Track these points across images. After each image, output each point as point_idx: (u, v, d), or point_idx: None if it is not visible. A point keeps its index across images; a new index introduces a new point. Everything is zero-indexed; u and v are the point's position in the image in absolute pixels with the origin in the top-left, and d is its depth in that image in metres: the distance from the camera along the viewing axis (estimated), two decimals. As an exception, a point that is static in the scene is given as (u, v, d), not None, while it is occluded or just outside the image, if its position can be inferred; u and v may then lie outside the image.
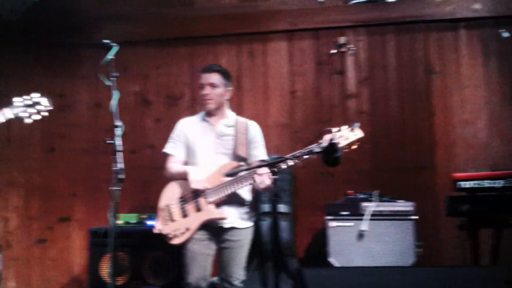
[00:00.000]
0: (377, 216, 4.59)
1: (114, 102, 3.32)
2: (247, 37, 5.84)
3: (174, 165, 4.02)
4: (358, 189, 4.93)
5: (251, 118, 5.48)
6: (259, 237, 4.80)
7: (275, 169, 3.59)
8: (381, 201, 4.67)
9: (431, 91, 5.48)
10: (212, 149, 3.97)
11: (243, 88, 5.76)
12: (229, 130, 4.01)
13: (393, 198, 4.72)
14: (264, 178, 3.64)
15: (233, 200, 3.86)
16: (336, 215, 4.63)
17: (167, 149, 4.09)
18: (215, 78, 4.01)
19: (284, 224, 4.93)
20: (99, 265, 4.97)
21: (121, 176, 3.20)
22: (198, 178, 3.82)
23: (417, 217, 4.58)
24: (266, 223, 4.88)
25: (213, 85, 3.99)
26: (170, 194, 3.95)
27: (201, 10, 5.92)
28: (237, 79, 5.74)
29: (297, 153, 3.55)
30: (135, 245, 4.91)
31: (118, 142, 3.27)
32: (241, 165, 3.88)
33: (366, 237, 4.55)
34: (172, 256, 4.79)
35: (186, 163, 4.03)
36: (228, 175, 3.74)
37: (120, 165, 3.21)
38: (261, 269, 4.73)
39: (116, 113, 3.33)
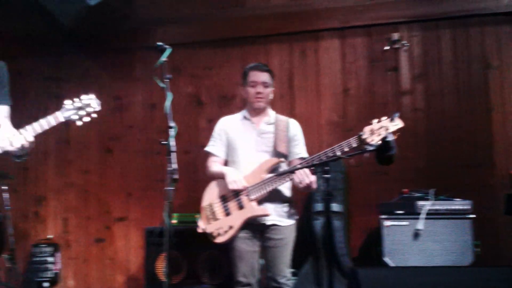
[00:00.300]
0: (433, 214, 4.49)
1: (167, 103, 3.36)
2: (298, 36, 5.82)
3: (214, 165, 4.09)
4: (414, 187, 4.85)
5: (303, 117, 5.47)
6: (312, 237, 4.81)
7: (326, 167, 3.58)
8: (437, 199, 4.57)
9: (488, 87, 5.33)
10: (253, 147, 4.01)
11: (295, 87, 5.75)
12: (269, 128, 4.06)
13: (449, 196, 4.61)
14: (303, 176, 3.64)
15: (275, 197, 3.89)
16: (391, 214, 4.55)
17: (208, 147, 4.17)
18: (266, 77, 4.08)
19: (337, 223, 4.89)
20: (155, 264, 5.06)
21: (175, 176, 3.23)
22: (235, 179, 3.85)
23: (474, 216, 4.47)
24: (319, 222, 4.86)
25: (265, 84, 4.06)
26: (212, 193, 4.01)
27: (252, 10, 5.93)
28: (289, 78, 5.75)
29: (336, 147, 3.60)
30: (190, 244, 4.97)
31: (172, 142, 3.31)
32: (281, 161, 3.92)
33: (422, 236, 4.47)
34: (226, 255, 4.81)
35: (226, 162, 4.09)
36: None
37: (174, 165, 3.25)
38: (315, 269, 4.72)
39: (170, 114, 3.37)
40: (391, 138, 3.47)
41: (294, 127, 4.14)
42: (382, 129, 3.55)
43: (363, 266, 4.74)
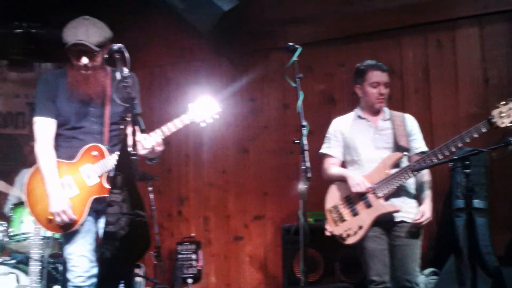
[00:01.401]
0: None
1: (299, 102, 3.39)
2: (433, 26, 5.62)
3: (333, 167, 4.06)
4: None
5: (440, 110, 5.28)
6: (454, 234, 4.66)
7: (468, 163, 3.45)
8: None
9: None
10: (372, 145, 3.97)
11: (431, 80, 5.56)
12: (386, 124, 4.02)
13: None
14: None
15: (400, 192, 3.83)
16: (540, 210, 4.29)
17: (324, 149, 4.14)
18: (387, 77, 4.03)
19: (480, 221, 4.70)
20: (292, 262, 5.11)
21: (309, 174, 3.25)
22: (358, 181, 3.80)
23: None
24: (460, 220, 4.69)
25: (386, 85, 4.01)
26: (336, 195, 3.99)
27: (382, 2, 5.80)
28: (424, 70, 5.59)
29: (464, 134, 3.59)
30: (327, 242, 4.96)
31: (305, 141, 3.33)
32: (405, 155, 3.89)
33: None
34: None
35: (343, 163, 4.04)
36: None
37: (307, 163, 3.27)
38: (458, 268, 4.57)
39: (302, 113, 3.39)
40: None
41: (411, 122, 4.08)
42: None
43: (509, 265, 4.51)
